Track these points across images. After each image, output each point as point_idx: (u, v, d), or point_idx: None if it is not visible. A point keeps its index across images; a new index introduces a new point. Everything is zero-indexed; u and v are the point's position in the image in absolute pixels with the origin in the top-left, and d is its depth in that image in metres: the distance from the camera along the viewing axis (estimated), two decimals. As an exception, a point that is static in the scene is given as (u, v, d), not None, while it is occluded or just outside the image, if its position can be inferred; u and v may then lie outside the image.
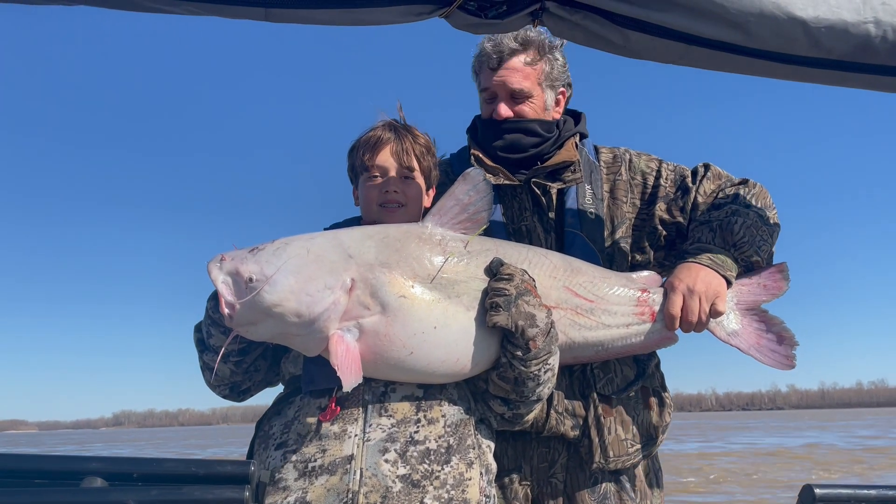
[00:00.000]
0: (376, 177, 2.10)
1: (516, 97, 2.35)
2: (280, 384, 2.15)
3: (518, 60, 2.34)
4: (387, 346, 1.78)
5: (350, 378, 1.71)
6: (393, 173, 2.10)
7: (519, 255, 2.01)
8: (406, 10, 1.76)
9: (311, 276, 1.75)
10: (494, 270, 1.89)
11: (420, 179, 2.14)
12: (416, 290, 1.82)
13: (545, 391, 1.93)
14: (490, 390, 1.92)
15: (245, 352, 1.96)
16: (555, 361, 1.91)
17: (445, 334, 1.82)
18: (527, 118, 2.35)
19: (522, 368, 1.84)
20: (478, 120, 2.49)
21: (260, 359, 2.03)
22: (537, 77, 2.37)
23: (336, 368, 1.70)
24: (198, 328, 2.02)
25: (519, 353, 1.83)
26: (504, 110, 2.34)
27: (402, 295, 1.80)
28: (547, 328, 1.86)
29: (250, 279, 1.74)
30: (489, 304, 1.84)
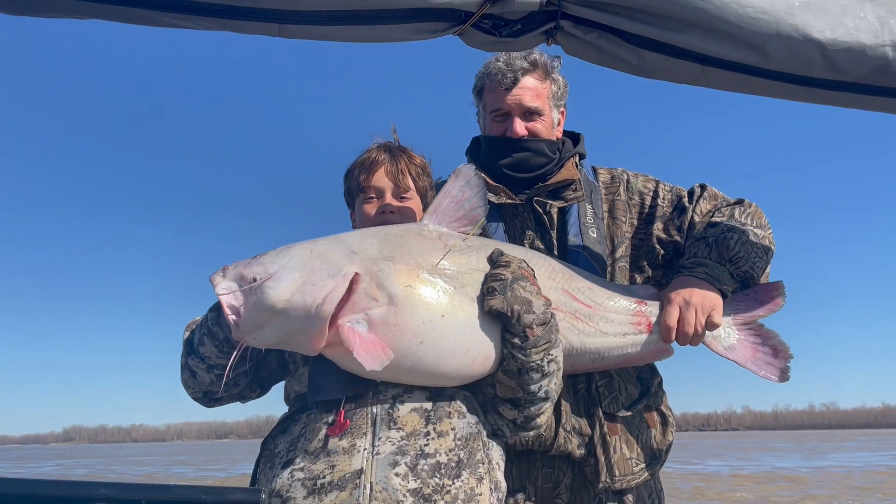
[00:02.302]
0: (372, 198, 2.12)
1: (530, 115, 2.37)
2: (253, 399, 2.16)
3: (531, 79, 2.37)
4: (397, 336, 1.75)
5: (377, 357, 1.68)
6: (389, 194, 2.11)
7: (518, 254, 2.01)
8: (420, 27, 1.75)
9: (314, 269, 1.75)
10: (495, 259, 1.90)
11: (416, 200, 2.14)
12: (422, 280, 1.82)
13: (553, 386, 1.89)
14: (498, 393, 1.89)
15: (235, 366, 1.91)
16: (558, 354, 1.88)
17: (453, 323, 1.80)
18: (540, 136, 2.38)
19: (523, 358, 1.81)
20: (482, 139, 2.50)
21: (241, 374, 2.01)
22: (547, 96, 2.40)
23: (357, 355, 1.67)
24: (191, 331, 1.99)
25: (517, 340, 1.81)
26: (520, 128, 2.36)
27: (408, 285, 1.80)
28: (545, 317, 1.84)
29: (254, 279, 1.73)
30: (486, 288, 1.84)
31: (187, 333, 2.00)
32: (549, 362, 1.85)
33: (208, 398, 2.06)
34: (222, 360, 1.88)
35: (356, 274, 1.77)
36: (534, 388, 1.85)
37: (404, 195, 2.12)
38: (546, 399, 1.89)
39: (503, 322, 1.84)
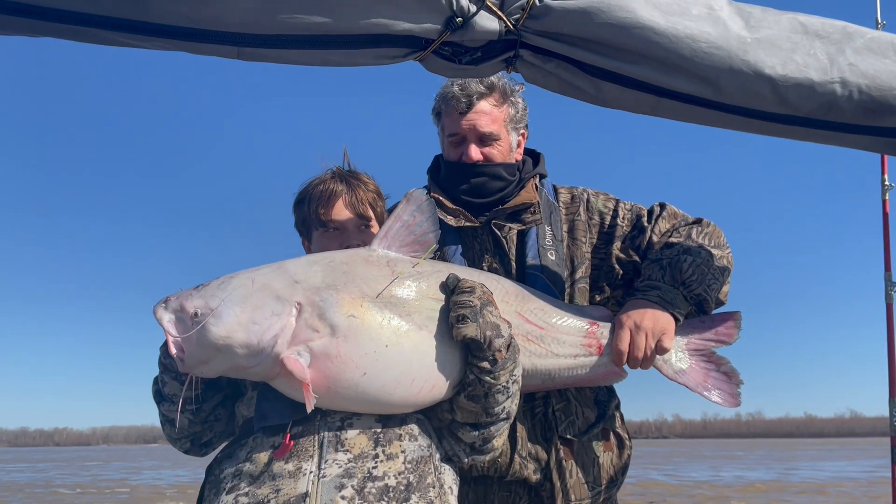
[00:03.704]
0: (334, 231, 2.09)
1: (485, 140, 2.36)
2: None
3: (486, 104, 2.36)
4: (340, 368, 1.73)
5: (312, 397, 1.68)
6: (351, 226, 2.09)
7: (471, 277, 1.98)
8: (381, 52, 1.76)
9: (257, 305, 1.72)
10: (452, 286, 1.86)
11: (377, 227, 2.12)
12: (366, 309, 1.78)
13: (514, 407, 1.89)
14: (458, 419, 1.87)
15: (203, 399, 1.90)
16: (520, 374, 1.88)
17: (398, 353, 1.77)
18: (495, 161, 2.37)
19: (492, 381, 1.80)
20: (441, 161, 2.50)
21: (220, 407, 1.97)
22: (503, 120, 2.39)
23: (302, 383, 1.67)
24: (155, 381, 1.96)
25: (486, 365, 1.79)
26: (475, 153, 2.36)
27: (351, 314, 1.76)
28: (510, 339, 1.84)
29: (195, 314, 1.70)
30: (455, 317, 1.80)
31: (154, 387, 1.97)
32: (513, 383, 1.85)
33: (197, 444, 2.02)
34: (189, 392, 1.85)
35: (298, 304, 1.75)
36: (497, 409, 1.84)
37: (366, 226, 2.10)
38: (507, 419, 1.89)
39: (471, 348, 1.81)
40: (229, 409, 1.99)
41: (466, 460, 1.92)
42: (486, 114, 2.35)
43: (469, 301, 1.81)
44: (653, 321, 2.15)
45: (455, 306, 1.82)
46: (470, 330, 1.78)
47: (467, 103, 2.34)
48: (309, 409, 1.68)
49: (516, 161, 2.46)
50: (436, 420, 1.90)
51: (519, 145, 2.49)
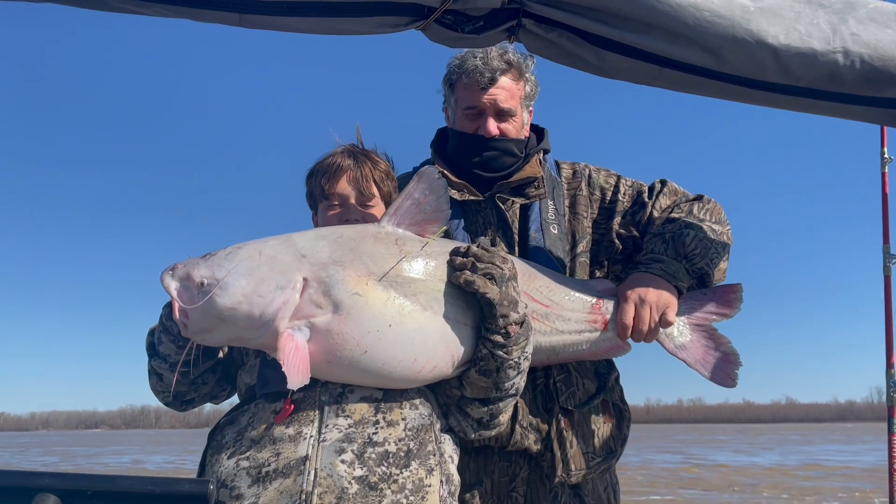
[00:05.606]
0: (336, 205, 2.10)
1: (503, 115, 2.37)
2: (224, 399, 2.14)
3: (506, 80, 2.36)
4: (340, 345, 1.74)
5: (296, 377, 1.68)
6: (353, 201, 2.09)
7: None
8: (382, 21, 1.76)
9: (262, 278, 1.74)
10: (486, 248, 1.87)
11: (380, 206, 2.12)
12: (371, 288, 1.79)
13: (522, 383, 1.92)
14: (467, 394, 1.89)
15: (193, 364, 1.93)
16: (531, 351, 1.91)
17: (401, 332, 1.79)
18: (510, 136, 2.38)
19: (504, 356, 1.82)
20: (450, 132, 2.49)
21: (208, 372, 2.02)
22: (520, 97, 2.40)
23: (283, 367, 1.67)
24: (151, 332, 2.00)
25: (499, 339, 1.82)
26: (493, 128, 2.36)
27: (356, 292, 1.77)
28: (522, 318, 1.87)
29: (202, 283, 1.72)
30: (482, 272, 1.82)
31: (149, 339, 2.01)
32: (524, 359, 1.88)
33: (179, 400, 2.07)
34: (186, 357, 1.88)
35: (304, 279, 1.76)
36: (508, 385, 1.87)
37: (368, 202, 2.11)
38: (515, 395, 1.92)
39: (484, 314, 1.84)
40: (218, 373, 2.04)
41: (473, 435, 1.95)
42: (506, 90, 2.36)
43: (500, 267, 1.84)
44: (657, 294, 2.17)
45: (483, 262, 1.84)
46: (493, 292, 1.81)
47: (490, 78, 2.33)
48: (290, 387, 1.68)
49: (525, 137, 2.47)
50: (443, 396, 1.92)
51: (527, 122, 2.49)
